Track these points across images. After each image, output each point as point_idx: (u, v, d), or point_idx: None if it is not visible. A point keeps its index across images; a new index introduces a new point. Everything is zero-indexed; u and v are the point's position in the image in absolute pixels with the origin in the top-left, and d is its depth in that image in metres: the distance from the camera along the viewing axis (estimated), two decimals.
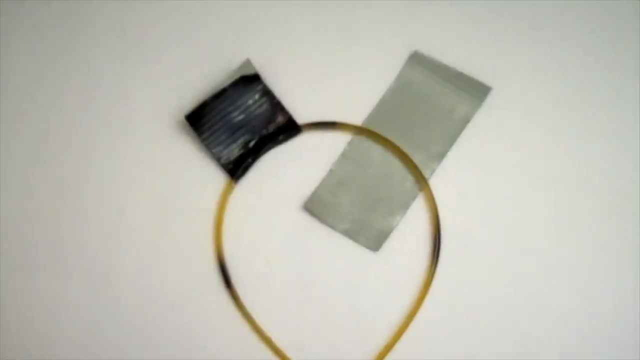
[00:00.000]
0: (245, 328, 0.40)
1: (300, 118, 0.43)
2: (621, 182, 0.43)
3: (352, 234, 0.42)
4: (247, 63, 0.43)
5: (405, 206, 0.42)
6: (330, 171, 0.43)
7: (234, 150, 0.42)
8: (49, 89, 0.44)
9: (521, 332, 0.40)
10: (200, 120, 0.42)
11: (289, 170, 0.43)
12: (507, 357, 0.40)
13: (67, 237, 0.42)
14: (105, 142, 0.43)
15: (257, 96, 0.43)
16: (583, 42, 0.45)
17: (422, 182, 0.42)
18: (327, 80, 0.44)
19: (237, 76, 0.43)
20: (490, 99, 0.44)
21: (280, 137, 0.43)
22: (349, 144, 0.43)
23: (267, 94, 0.43)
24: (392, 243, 0.42)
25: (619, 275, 0.41)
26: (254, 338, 0.40)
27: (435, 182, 0.43)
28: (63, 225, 0.42)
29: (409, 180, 0.43)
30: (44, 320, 0.40)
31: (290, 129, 0.43)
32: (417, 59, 0.44)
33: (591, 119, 0.44)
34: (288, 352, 0.40)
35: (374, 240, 0.42)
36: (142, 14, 0.45)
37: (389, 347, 0.40)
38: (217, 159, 0.42)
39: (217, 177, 0.43)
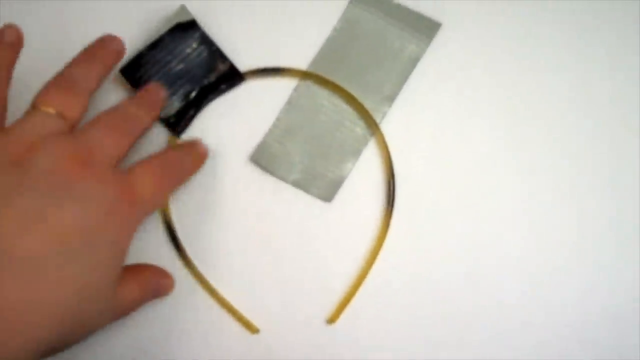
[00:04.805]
0: (197, 288, 0.39)
1: (243, 65, 0.41)
2: (579, 118, 0.42)
3: (303, 185, 0.40)
4: (183, 9, 0.40)
5: (356, 153, 0.41)
6: (277, 120, 0.41)
7: (174, 103, 0.40)
8: None
9: (479, 279, 0.40)
10: (137, 72, 0.40)
11: (234, 121, 0.41)
12: (466, 305, 0.39)
13: None
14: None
15: (195, 44, 0.40)
16: None
17: (373, 126, 0.41)
18: (269, 24, 0.42)
19: (172, 24, 0.40)
20: (439, 36, 0.42)
21: (223, 87, 0.41)
22: (295, 90, 0.41)
23: (206, 41, 0.41)
24: (345, 192, 0.41)
25: (586, 217, 0.41)
26: (206, 298, 0.39)
27: (387, 127, 0.41)
28: None
29: (359, 126, 0.41)
30: None
31: (232, 77, 0.41)
32: None
33: (546, 54, 0.42)
34: (242, 310, 0.39)
35: (326, 190, 0.40)
36: None
37: (346, 300, 0.39)
38: None
39: (158, 132, 0.40)
